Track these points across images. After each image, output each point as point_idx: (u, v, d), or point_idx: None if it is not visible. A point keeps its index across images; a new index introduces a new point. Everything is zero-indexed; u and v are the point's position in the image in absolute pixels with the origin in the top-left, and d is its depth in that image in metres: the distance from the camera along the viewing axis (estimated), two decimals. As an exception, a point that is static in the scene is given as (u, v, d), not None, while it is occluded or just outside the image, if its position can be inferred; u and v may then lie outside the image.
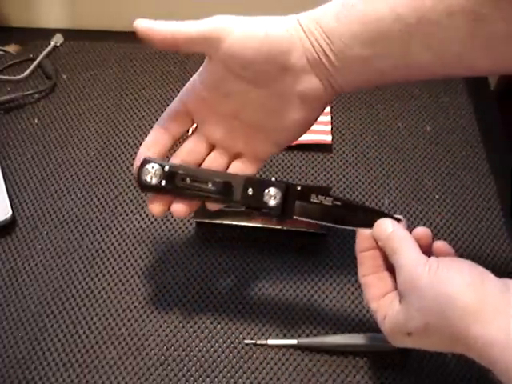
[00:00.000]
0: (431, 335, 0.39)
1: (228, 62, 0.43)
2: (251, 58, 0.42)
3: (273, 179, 0.48)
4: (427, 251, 0.43)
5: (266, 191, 0.47)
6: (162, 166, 0.45)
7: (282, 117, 0.45)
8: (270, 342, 0.53)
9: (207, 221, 0.60)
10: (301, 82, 0.43)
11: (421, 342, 0.40)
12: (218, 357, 0.52)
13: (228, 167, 0.48)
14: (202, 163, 0.47)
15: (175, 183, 0.45)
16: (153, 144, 0.47)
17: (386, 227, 0.43)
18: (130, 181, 0.66)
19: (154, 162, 0.46)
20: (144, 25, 0.44)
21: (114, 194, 0.64)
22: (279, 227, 0.58)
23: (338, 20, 0.41)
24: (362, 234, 0.45)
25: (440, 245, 0.43)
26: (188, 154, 0.47)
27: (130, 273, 0.58)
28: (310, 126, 0.47)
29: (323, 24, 0.42)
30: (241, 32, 0.43)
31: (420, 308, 0.39)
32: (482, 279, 0.38)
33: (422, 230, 0.43)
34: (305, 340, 0.53)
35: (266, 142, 0.47)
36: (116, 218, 0.62)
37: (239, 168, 0.48)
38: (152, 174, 0.45)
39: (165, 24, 0.45)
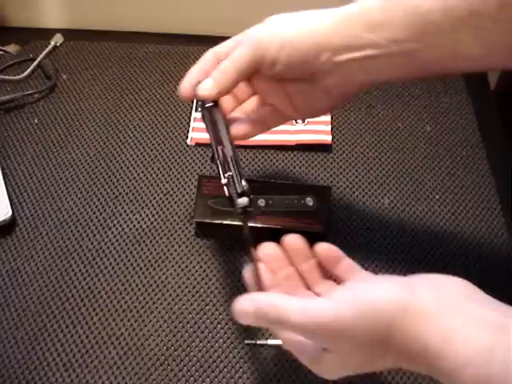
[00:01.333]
0: (375, 362, 0.36)
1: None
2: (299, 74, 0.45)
3: None
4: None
5: None
6: None
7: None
8: (270, 341, 0.53)
9: (207, 221, 0.60)
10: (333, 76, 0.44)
11: (363, 370, 0.37)
12: (218, 357, 0.52)
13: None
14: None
15: None
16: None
17: (246, 308, 0.37)
18: (130, 181, 0.66)
19: None
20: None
21: (114, 194, 0.64)
22: (279, 227, 0.58)
23: (384, 11, 0.41)
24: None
25: (324, 247, 0.42)
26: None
27: (129, 273, 0.58)
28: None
29: (369, 16, 0.42)
30: (287, 53, 0.44)
31: (354, 346, 0.35)
32: (409, 284, 0.35)
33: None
34: None
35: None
36: (116, 218, 0.62)
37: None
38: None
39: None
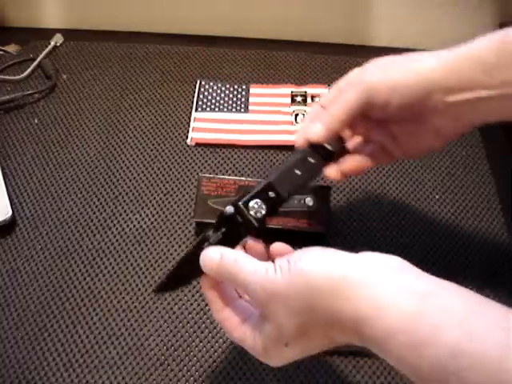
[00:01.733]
0: (308, 334, 0.36)
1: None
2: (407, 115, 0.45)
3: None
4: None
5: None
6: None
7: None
8: (270, 342, 0.53)
9: (207, 221, 0.60)
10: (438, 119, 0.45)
11: (301, 347, 0.37)
12: (218, 357, 0.52)
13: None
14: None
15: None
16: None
17: (213, 257, 0.39)
18: (130, 181, 0.66)
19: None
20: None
21: (114, 194, 0.64)
22: (279, 227, 0.58)
23: (500, 53, 0.42)
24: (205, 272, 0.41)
25: (277, 246, 0.42)
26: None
27: (129, 273, 0.58)
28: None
29: (484, 58, 0.42)
30: (397, 97, 0.44)
31: (287, 313, 0.35)
32: (340, 256, 0.36)
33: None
34: None
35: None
36: (116, 218, 0.62)
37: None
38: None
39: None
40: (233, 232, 0.43)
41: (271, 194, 0.45)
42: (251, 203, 0.44)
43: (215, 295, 0.41)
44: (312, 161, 0.47)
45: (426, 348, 0.31)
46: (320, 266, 0.35)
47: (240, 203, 0.43)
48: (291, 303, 0.35)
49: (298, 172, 0.46)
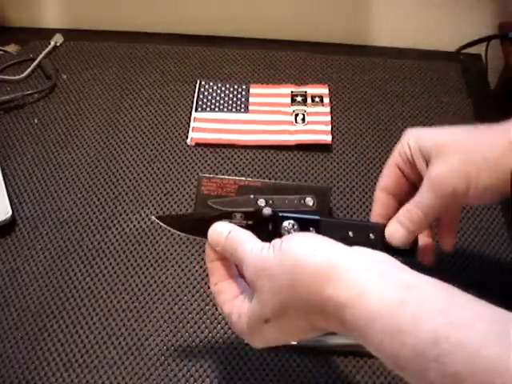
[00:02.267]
0: (289, 313, 0.36)
1: None
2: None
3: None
4: None
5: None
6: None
7: None
8: (270, 342, 0.53)
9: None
10: None
11: (281, 327, 0.37)
12: (218, 357, 0.52)
13: None
14: None
15: None
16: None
17: (222, 231, 0.41)
18: (130, 181, 0.66)
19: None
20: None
21: (114, 194, 0.64)
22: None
23: None
24: (210, 244, 0.42)
25: None
26: None
27: (129, 273, 0.58)
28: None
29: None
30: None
31: (272, 288, 0.36)
32: (330, 242, 0.37)
33: None
34: (305, 340, 0.53)
35: None
36: (116, 218, 0.62)
37: None
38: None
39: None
40: (258, 231, 0.43)
41: (312, 229, 0.44)
42: (286, 222, 0.44)
43: (216, 267, 0.42)
44: (372, 237, 0.46)
45: (406, 335, 0.31)
46: (308, 246, 0.36)
47: (281, 214, 0.44)
48: (276, 279, 0.36)
49: (350, 234, 0.45)
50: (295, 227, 0.44)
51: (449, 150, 0.43)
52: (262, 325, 0.37)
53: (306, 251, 0.36)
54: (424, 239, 0.48)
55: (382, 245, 0.46)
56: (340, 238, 0.41)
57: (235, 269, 0.43)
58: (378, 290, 0.33)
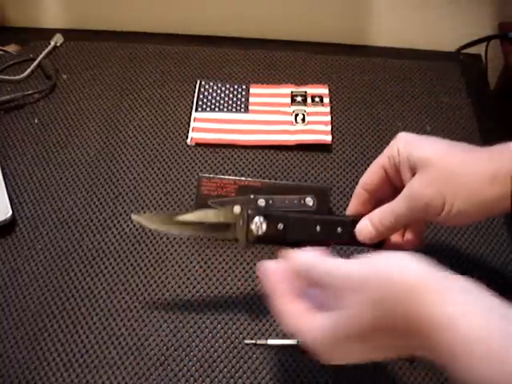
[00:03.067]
0: (377, 330, 0.35)
1: None
2: None
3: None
4: None
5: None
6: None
7: None
8: (270, 341, 0.53)
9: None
10: None
11: (366, 343, 0.36)
12: (218, 357, 0.52)
13: None
14: None
15: None
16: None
17: (292, 255, 0.41)
18: (130, 181, 0.66)
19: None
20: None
21: (114, 194, 0.64)
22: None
23: None
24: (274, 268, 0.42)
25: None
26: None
27: (130, 273, 0.58)
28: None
29: None
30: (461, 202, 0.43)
31: (359, 301, 0.35)
32: (415, 260, 0.36)
33: None
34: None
35: None
36: (116, 217, 0.62)
37: None
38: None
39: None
40: (232, 227, 0.48)
41: (280, 225, 0.49)
42: (256, 218, 0.49)
43: (285, 288, 0.41)
44: (339, 230, 0.49)
45: (502, 363, 0.30)
46: (398, 263, 0.35)
47: (250, 211, 0.48)
48: (362, 293, 0.35)
49: (318, 228, 0.49)
50: (264, 224, 0.48)
51: (433, 167, 0.44)
52: (347, 340, 0.36)
53: (396, 267, 0.35)
54: (395, 237, 0.49)
55: (349, 239, 0.49)
56: (307, 232, 0.48)
57: (302, 288, 0.42)
58: (469, 313, 0.32)
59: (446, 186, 0.43)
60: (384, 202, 0.47)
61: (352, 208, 0.50)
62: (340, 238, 0.49)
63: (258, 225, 0.49)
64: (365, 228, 0.47)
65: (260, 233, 0.49)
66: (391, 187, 0.49)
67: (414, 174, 0.45)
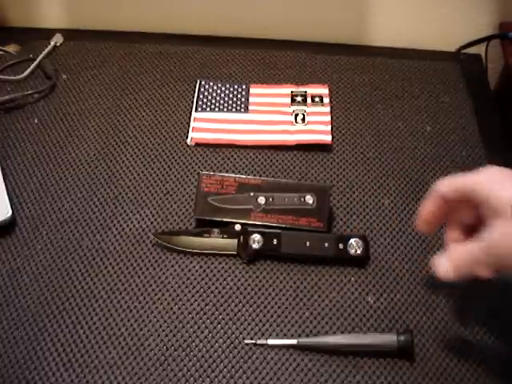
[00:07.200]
0: None
1: None
2: None
3: None
4: None
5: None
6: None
7: None
8: (270, 341, 0.53)
9: (207, 218, 0.60)
10: None
11: None
12: (218, 357, 0.52)
13: None
14: None
15: None
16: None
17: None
18: (130, 181, 0.66)
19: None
20: None
21: (114, 194, 0.64)
22: (279, 224, 0.59)
23: None
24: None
25: None
26: None
27: (129, 273, 0.58)
28: None
29: None
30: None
31: None
32: None
33: None
34: (305, 340, 0.53)
35: None
36: (116, 217, 0.62)
37: None
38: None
39: None
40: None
41: (274, 241, 0.57)
42: (254, 235, 0.57)
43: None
44: (326, 245, 0.57)
45: None
46: None
47: (249, 229, 0.58)
48: None
49: (307, 244, 0.57)
50: (260, 240, 0.57)
51: None
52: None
53: None
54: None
55: (334, 253, 0.57)
56: (298, 246, 0.57)
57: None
58: None
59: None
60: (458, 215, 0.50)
61: (425, 210, 0.51)
62: (327, 253, 0.57)
63: (255, 240, 0.57)
64: (443, 269, 0.48)
65: (257, 247, 0.57)
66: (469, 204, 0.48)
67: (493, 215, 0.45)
